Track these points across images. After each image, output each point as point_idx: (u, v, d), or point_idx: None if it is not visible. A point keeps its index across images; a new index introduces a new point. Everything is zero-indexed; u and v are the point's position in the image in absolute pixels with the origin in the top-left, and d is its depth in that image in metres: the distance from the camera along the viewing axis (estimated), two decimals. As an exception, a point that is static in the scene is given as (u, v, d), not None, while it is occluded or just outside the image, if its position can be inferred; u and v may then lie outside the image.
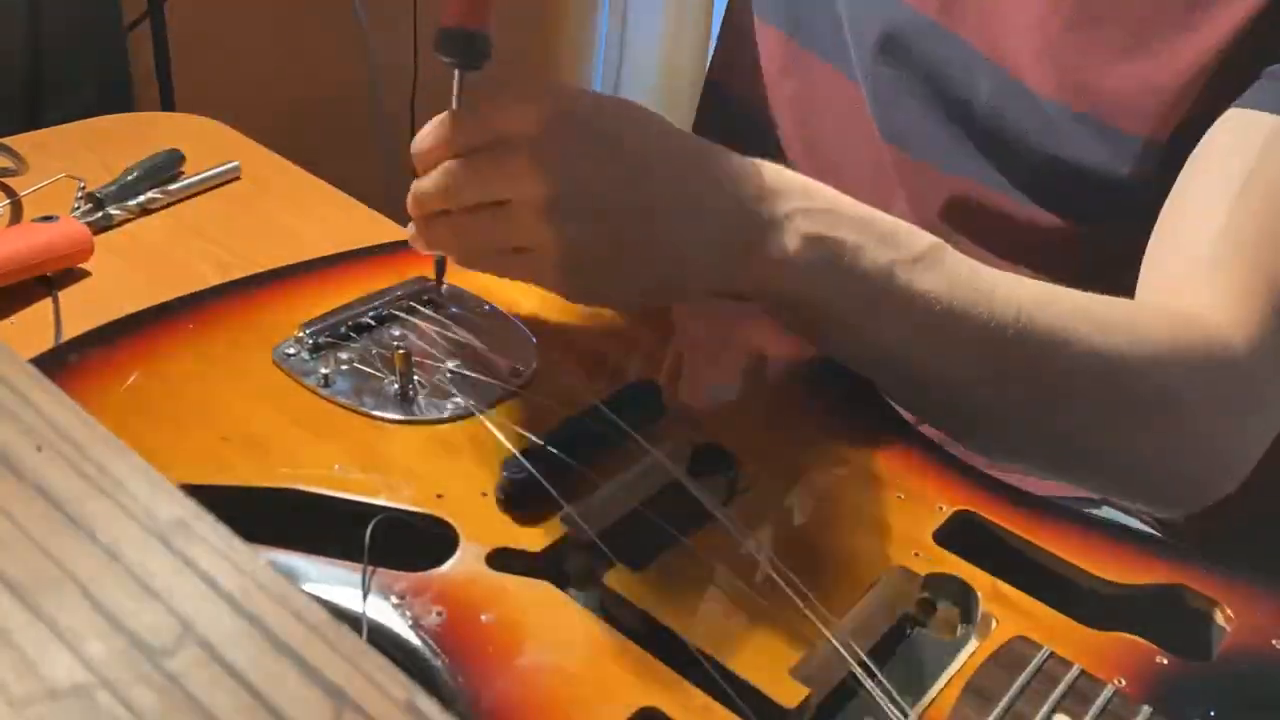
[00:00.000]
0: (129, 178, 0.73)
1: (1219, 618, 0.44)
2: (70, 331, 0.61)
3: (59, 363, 0.50)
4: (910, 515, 0.47)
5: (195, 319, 0.55)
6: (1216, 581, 0.45)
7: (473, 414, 0.50)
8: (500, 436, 0.48)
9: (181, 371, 0.51)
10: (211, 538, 0.24)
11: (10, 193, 0.73)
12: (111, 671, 0.21)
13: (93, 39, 1.03)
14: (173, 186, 0.75)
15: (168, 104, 1.25)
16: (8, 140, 0.75)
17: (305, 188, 0.80)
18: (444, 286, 0.58)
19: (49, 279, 0.65)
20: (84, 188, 0.72)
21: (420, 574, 0.41)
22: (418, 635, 0.39)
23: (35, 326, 0.62)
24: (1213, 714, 0.39)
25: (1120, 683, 0.40)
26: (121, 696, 0.21)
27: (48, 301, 0.64)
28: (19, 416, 0.27)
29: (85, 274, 0.67)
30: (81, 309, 0.63)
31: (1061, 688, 0.39)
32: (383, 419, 0.49)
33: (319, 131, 1.53)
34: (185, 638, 0.22)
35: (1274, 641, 0.43)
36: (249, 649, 0.22)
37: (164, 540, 0.24)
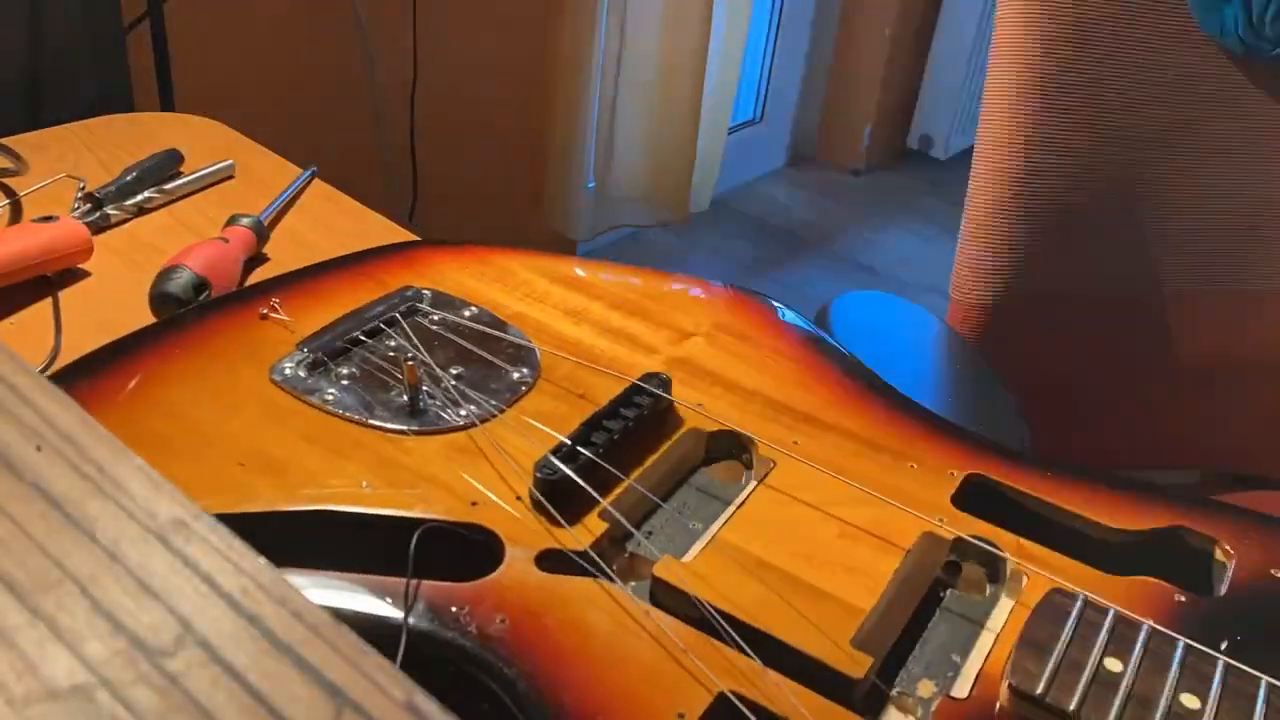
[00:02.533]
0: (128, 178, 0.73)
1: (1219, 554, 0.45)
2: (70, 331, 0.61)
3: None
4: (926, 483, 0.48)
5: (180, 344, 0.53)
6: (1213, 520, 0.46)
7: (488, 420, 0.50)
8: (522, 440, 0.48)
9: (182, 399, 0.49)
10: (211, 538, 0.24)
11: (10, 193, 0.73)
12: (111, 671, 0.21)
13: (93, 39, 1.03)
14: (168, 186, 0.75)
15: (167, 104, 1.25)
16: (8, 140, 0.75)
17: (305, 188, 0.80)
18: (433, 293, 0.57)
19: (49, 279, 0.65)
20: (84, 188, 0.72)
21: (473, 584, 0.41)
22: (485, 646, 0.38)
23: (35, 326, 0.62)
24: (1239, 639, 0.41)
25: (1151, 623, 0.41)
26: (121, 696, 0.21)
27: (48, 301, 0.64)
28: (19, 416, 0.27)
29: (85, 274, 0.67)
30: (81, 309, 0.63)
31: (1105, 632, 0.40)
32: (396, 431, 0.48)
33: (319, 131, 1.53)
34: (185, 638, 0.22)
35: (1272, 571, 0.44)
36: (249, 649, 0.22)
37: (164, 540, 0.24)
